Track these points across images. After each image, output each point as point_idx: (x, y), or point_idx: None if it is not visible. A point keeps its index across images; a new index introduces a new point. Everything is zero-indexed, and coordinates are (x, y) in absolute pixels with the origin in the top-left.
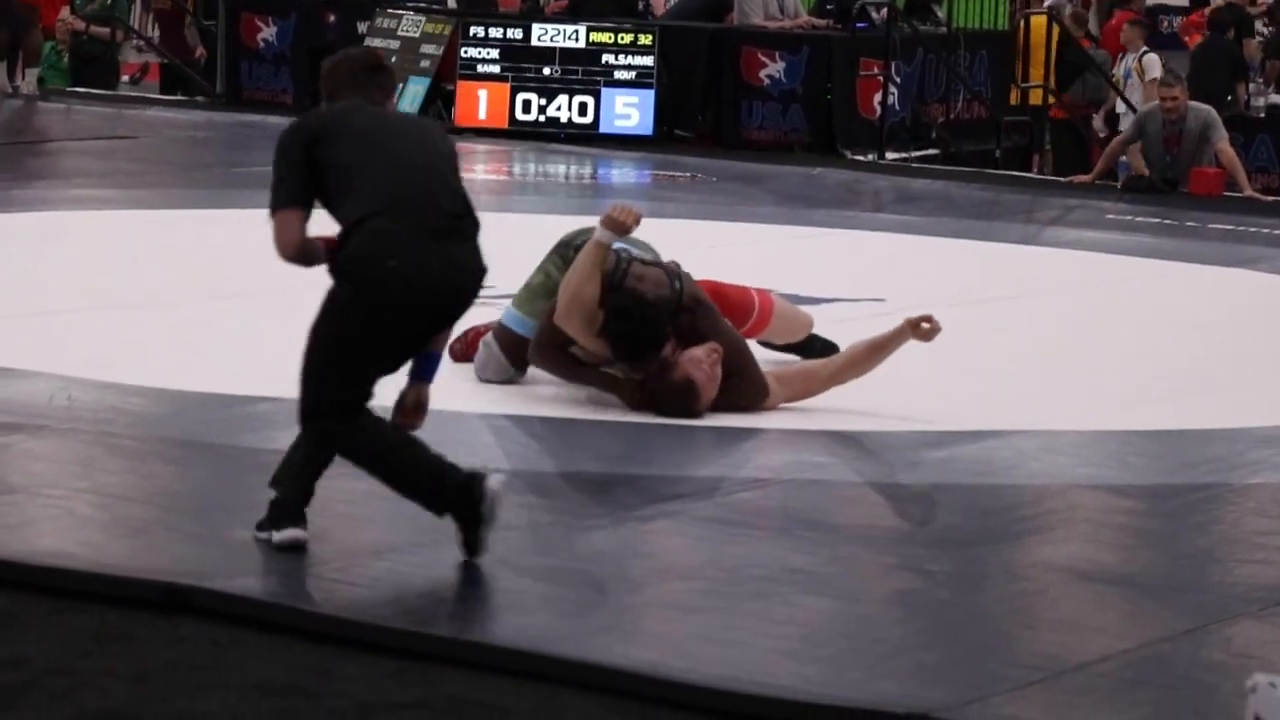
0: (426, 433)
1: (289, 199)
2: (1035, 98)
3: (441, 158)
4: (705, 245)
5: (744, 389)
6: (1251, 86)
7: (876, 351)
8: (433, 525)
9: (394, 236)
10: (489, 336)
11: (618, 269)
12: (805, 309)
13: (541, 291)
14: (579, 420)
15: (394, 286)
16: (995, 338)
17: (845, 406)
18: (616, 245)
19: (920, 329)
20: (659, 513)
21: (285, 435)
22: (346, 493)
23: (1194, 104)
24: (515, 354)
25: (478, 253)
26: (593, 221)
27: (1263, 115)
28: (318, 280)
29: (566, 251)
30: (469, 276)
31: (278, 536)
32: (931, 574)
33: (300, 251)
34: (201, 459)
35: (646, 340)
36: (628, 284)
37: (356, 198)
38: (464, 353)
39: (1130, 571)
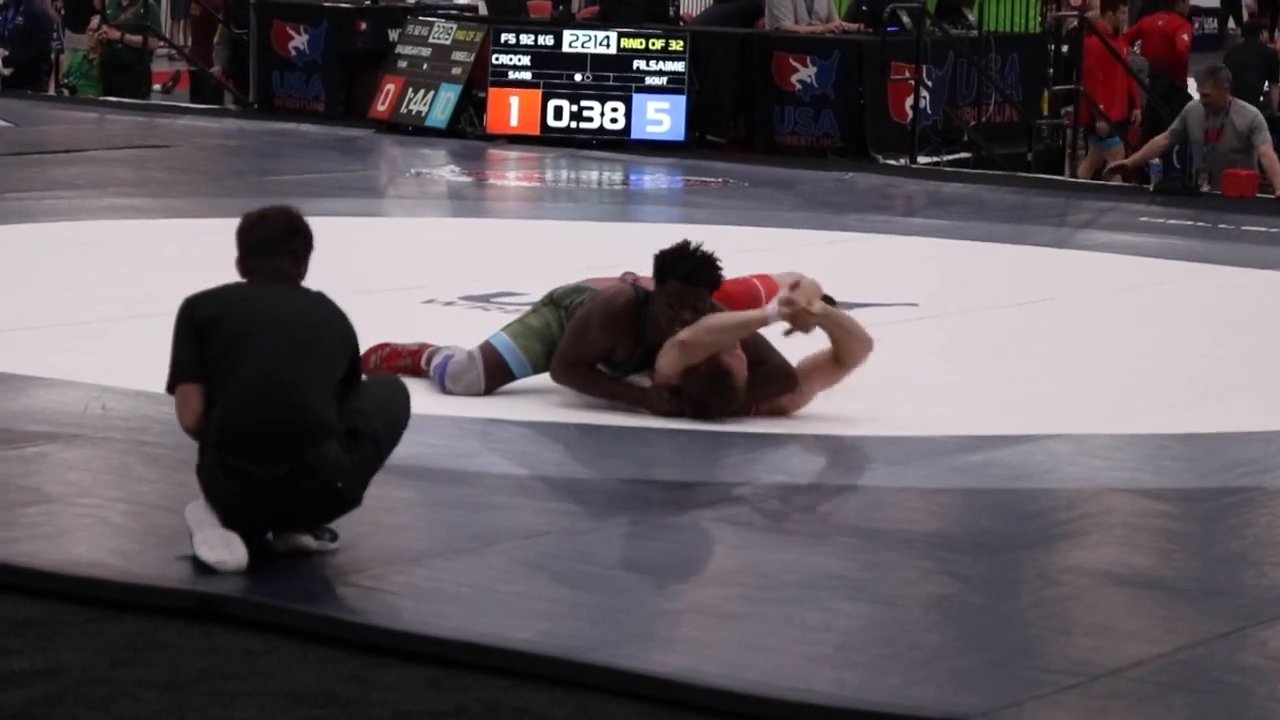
0: (465, 441)
1: (186, 375)
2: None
3: (316, 364)
4: (738, 250)
5: (774, 375)
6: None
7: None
8: (467, 533)
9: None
10: (475, 351)
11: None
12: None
13: (541, 336)
14: (609, 426)
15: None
16: (1028, 341)
17: (878, 411)
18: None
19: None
20: (693, 519)
21: None
22: (382, 500)
23: (1240, 103)
24: (495, 378)
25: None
26: (616, 232)
27: None
28: (348, 287)
29: (560, 312)
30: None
31: None
32: (967, 579)
33: (200, 426)
34: None
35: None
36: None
37: (217, 405)
38: (377, 366)
39: (1164, 575)
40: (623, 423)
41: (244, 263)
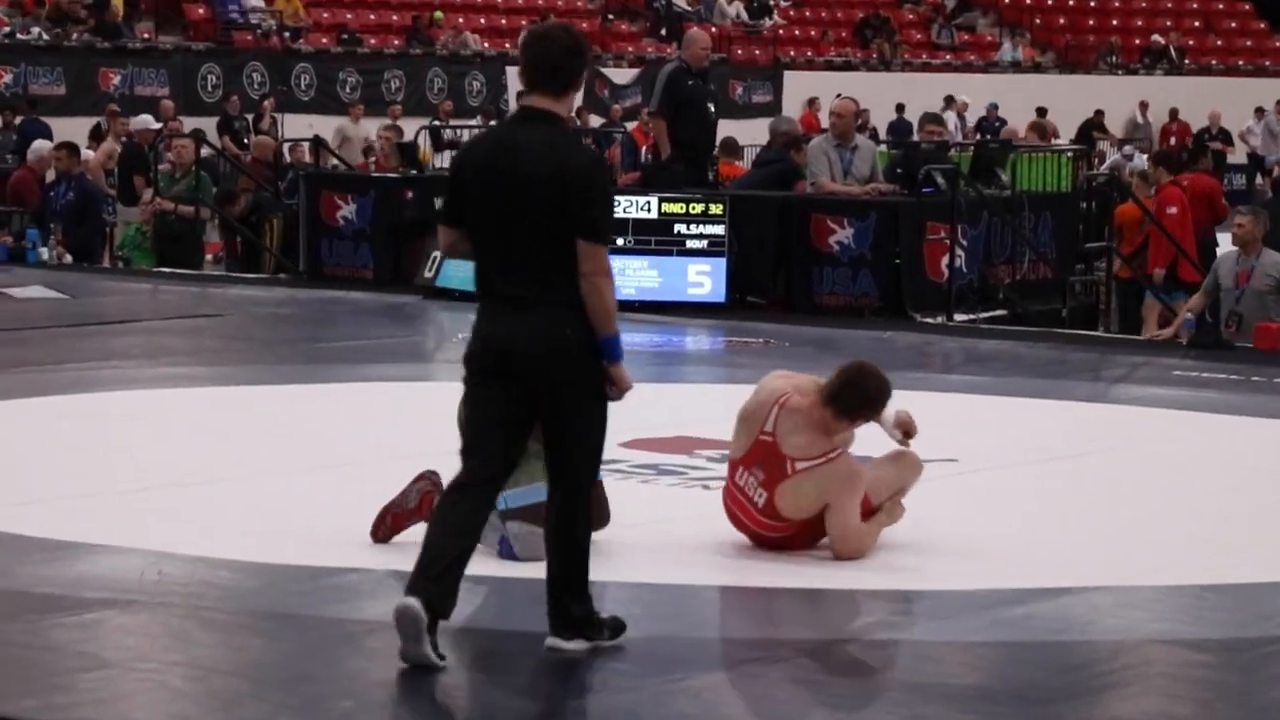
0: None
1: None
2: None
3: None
4: None
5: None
6: None
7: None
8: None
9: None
10: (516, 527)
11: None
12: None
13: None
14: (652, 584)
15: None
16: (1067, 494)
17: (919, 564)
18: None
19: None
20: (738, 675)
21: (372, 605)
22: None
23: (1271, 250)
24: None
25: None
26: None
27: None
28: (401, 452)
29: None
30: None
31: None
32: None
33: None
34: (291, 631)
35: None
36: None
37: None
38: (387, 535)
39: None
40: (666, 580)
41: None
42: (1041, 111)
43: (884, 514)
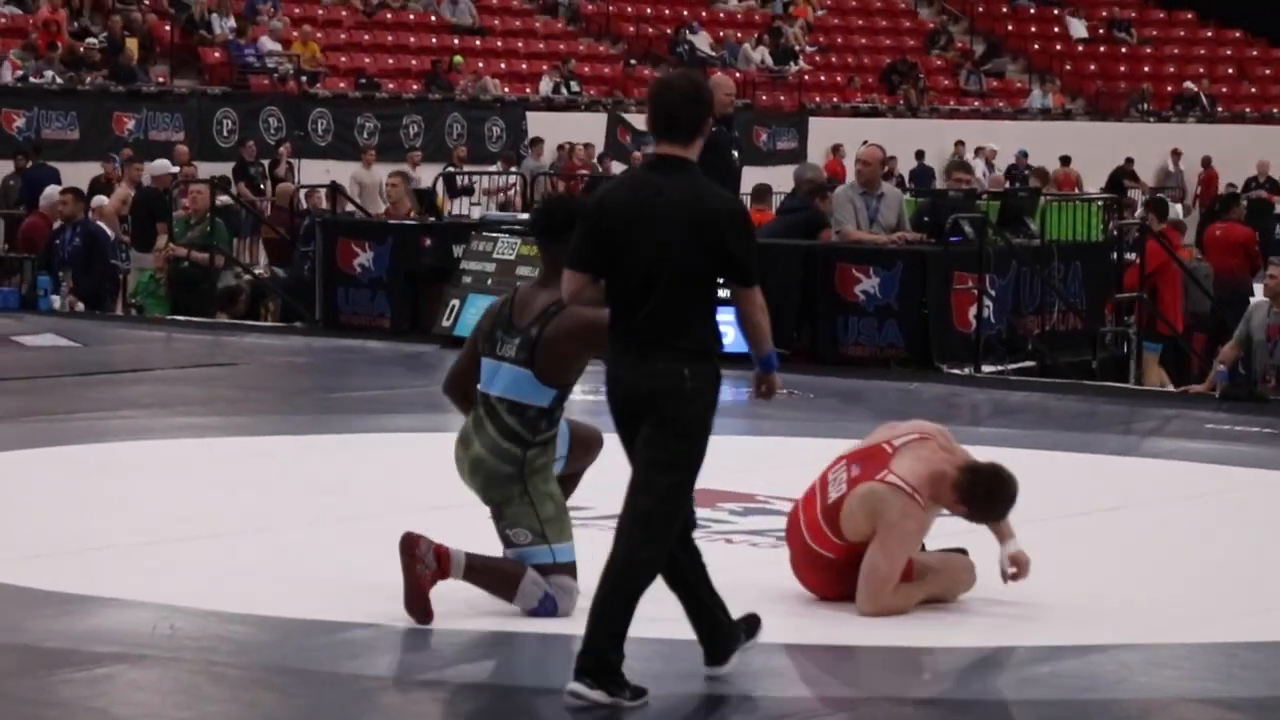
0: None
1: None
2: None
3: None
4: (806, 462)
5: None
6: None
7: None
8: None
9: None
10: (562, 581)
11: None
12: None
13: (564, 514)
14: (674, 640)
15: None
16: (1096, 550)
17: (947, 622)
18: None
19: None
20: None
21: (386, 660)
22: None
23: None
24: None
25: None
26: None
27: None
28: (416, 504)
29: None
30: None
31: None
32: None
33: None
34: (304, 686)
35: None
36: None
37: None
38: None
39: None
40: (688, 636)
41: None
42: (1065, 160)
43: (927, 586)
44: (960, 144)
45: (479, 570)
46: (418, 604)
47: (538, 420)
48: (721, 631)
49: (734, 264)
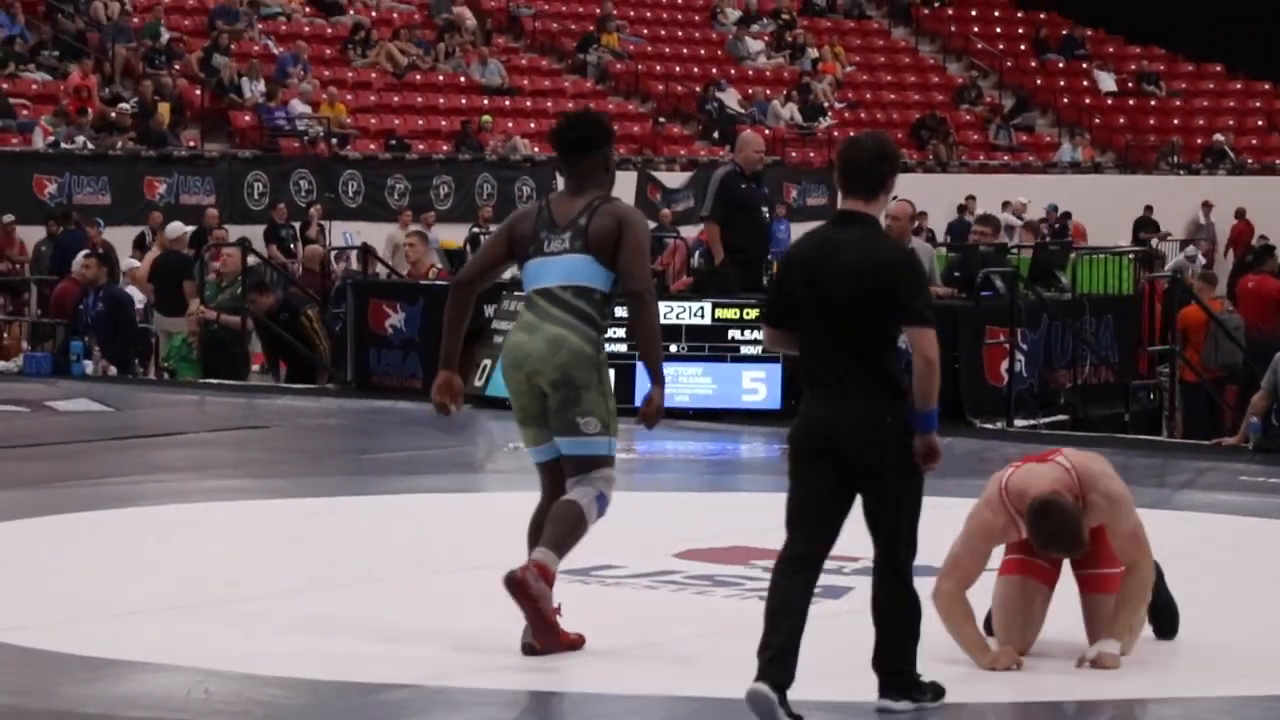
0: None
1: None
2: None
3: None
4: None
5: None
6: None
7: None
8: None
9: None
10: (608, 471)
11: None
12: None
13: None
14: (707, 698)
15: None
16: None
17: (970, 676)
18: None
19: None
20: None
21: None
22: None
23: None
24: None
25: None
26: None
27: None
28: (450, 565)
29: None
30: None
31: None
32: None
33: None
34: None
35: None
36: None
37: None
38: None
39: None
40: (722, 694)
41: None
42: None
43: (970, 629)
44: (971, 199)
45: (561, 542)
46: (557, 637)
47: (603, 305)
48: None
49: (901, 304)
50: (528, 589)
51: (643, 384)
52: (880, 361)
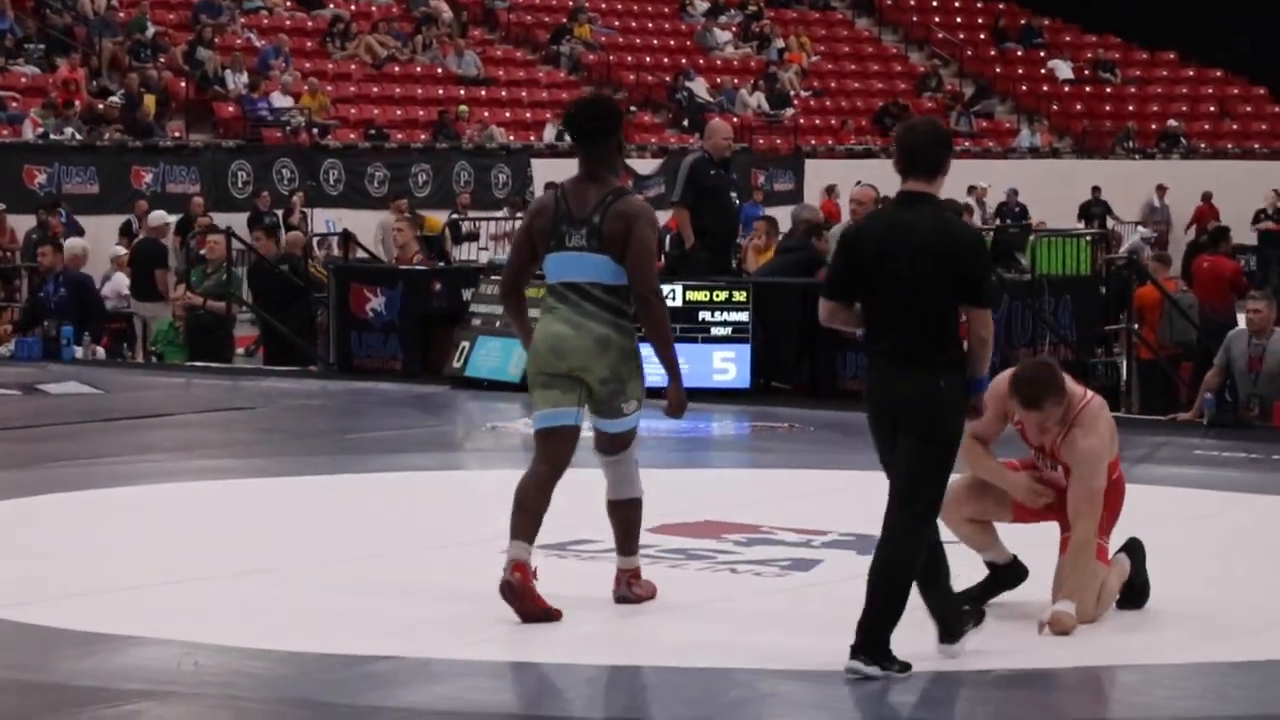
0: None
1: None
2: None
3: None
4: (808, 494)
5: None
6: None
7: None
8: None
9: None
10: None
11: None
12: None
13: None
14: (683, 668)
15: None
16: None
17: (926, 644)
18: None
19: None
20: None
21: (407, 693)
22: None
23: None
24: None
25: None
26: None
27: None
28: (428, 541)
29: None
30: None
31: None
32: None
33: None
34: (326, 719)
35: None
36: None
37: None
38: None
39: None
40: (697, 664)
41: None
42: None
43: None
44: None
45: (633, 543)
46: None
47: (627, 296)
48: (952, 614)
49: (969, 285)
50: (638, 600)
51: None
52: (941, 334)
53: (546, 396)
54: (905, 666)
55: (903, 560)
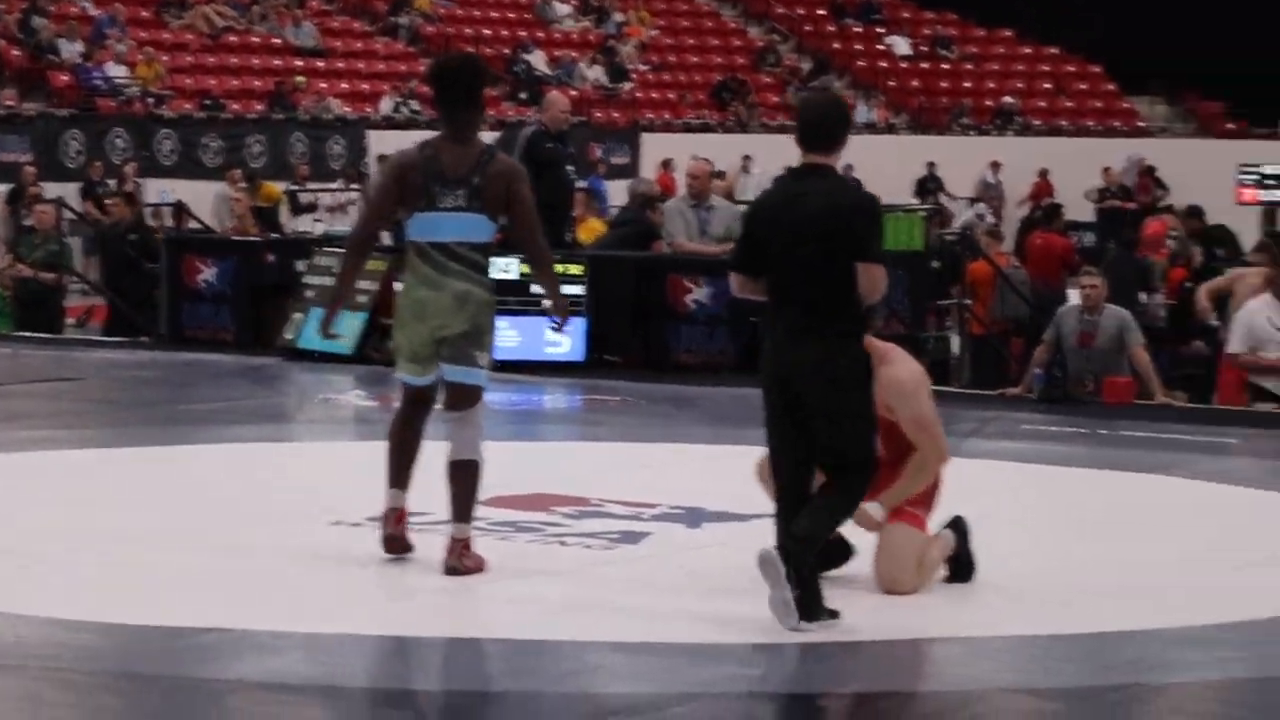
0: None
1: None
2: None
3: None
4: (638, 466)
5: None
6: (1155, 297)
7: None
8: None
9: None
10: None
11: None
12: (736, 524)
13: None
14: (508, 639)
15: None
16: None
17: (764, 617)
18: None
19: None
20: None
21: (232, 665)
22: None
23: (1111, 306)
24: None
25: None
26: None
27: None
28: (260, 515)
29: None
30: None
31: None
32: None
33: None
34: (150, 691)
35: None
36: None
37: None
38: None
39: None
40: (523, 635)
41: None
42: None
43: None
44: (748, 158)
45: (470, 508)
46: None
47: (489, 252)
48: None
49: (859, 242)
50: (467, 572)
51: None
52: (837, 305)
53: (410, 368)
54: (834, 615)
55: (838, 488)
